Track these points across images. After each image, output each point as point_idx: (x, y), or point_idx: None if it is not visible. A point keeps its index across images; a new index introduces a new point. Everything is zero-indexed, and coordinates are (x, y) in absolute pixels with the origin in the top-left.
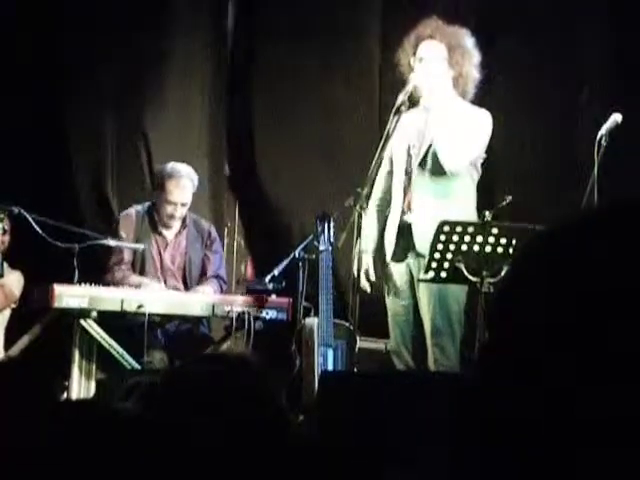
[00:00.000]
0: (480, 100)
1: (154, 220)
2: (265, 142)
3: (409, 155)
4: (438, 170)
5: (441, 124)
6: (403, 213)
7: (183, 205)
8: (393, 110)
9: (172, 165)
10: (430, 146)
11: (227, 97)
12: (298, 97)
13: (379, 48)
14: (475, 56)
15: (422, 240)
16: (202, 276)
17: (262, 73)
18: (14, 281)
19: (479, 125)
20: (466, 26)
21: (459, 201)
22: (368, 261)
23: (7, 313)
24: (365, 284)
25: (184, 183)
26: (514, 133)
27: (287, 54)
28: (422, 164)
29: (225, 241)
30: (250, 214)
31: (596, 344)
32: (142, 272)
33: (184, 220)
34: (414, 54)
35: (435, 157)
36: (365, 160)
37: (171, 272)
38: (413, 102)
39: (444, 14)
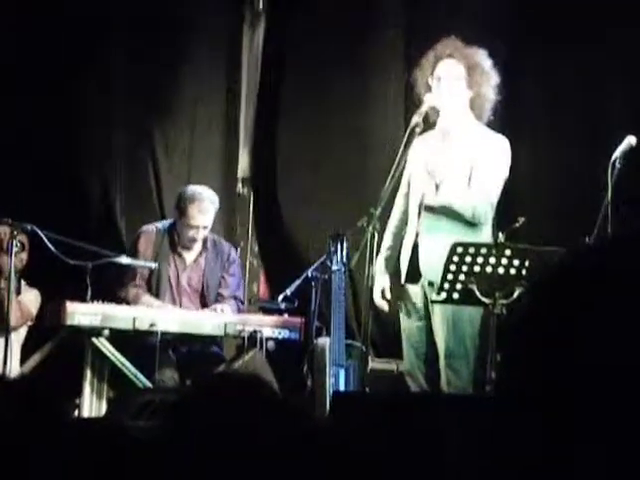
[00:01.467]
0: (495, 122)
1: (174, 241)
2: (283, 162)
3: (425, 178)
4: (451, 212)
5: (460, 159)
6: (417, 235)
7: (205, 228)
8: (407, 131)
9: (193, 188)
10: (446, 173)
11: (245, 120)
12: (320, 119)
13: (403, 70)
14: (493, 77)
15: (427, 266)
16: (218, 297)
17: (284, 96)
18: (31, 299)
19: (500, 159)
20: (485, 47)
21: (475, 227)
22: (385, 281)
23: (23, 331)
24: (382, 303)
25: (206, 206)
26: (529, 155)
27: (310, 78)
28: (437, 191)
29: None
30: (264, 234)
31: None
32: (157, 291)
33: (204, 241)
34: (432, 73)
35: (453, 206)
36: (381, 180)
37: (187, 293)
38: (429, 123)
39: (464, 35)
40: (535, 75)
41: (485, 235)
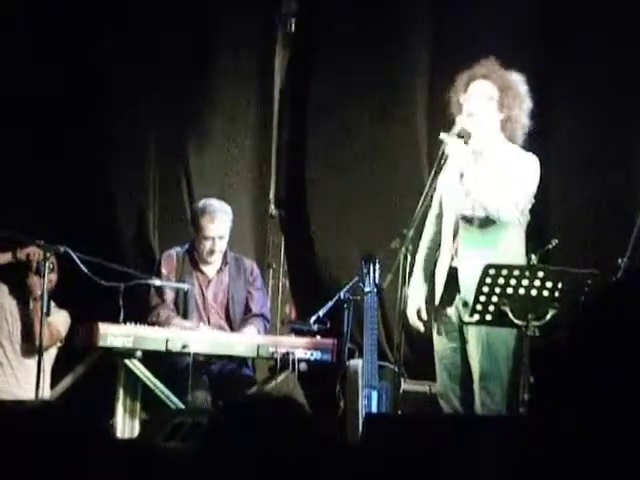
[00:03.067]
0: (528, 143)
1: (194, 258)
2: (315, 183)
3: (458, 199)
4: (486, 219)
5: (490, 173)
6: (452, 258)
7: (221, 238)
8: (440, 152)
9: (204, 201)
10: (478, 193)
11: (277, 138)
12: (348, 138)
13: (427, 89)
14: (527, 102)
15: (467, 287)
16: (246, 313)
17: (312, 114)
18: (61, 320)
19: (528, 172)
20: (523, 72)
21: (507, 248)
22: (420, 301)
23: (53, 352)
24: (418, 324)
25: (218, 217)
26: (562, 177)
27: (337, 95)
28: (470, 211)
29: (270, 282)
30: (295, 255)
31: None
32: (185, 311)
33: (225, 257)
34: (465, 92)
35: (483, 207)
36: (412, 201)
37: (214, 310)
38: (463, 142)
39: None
40: (567, 94)
41: (511, 233)
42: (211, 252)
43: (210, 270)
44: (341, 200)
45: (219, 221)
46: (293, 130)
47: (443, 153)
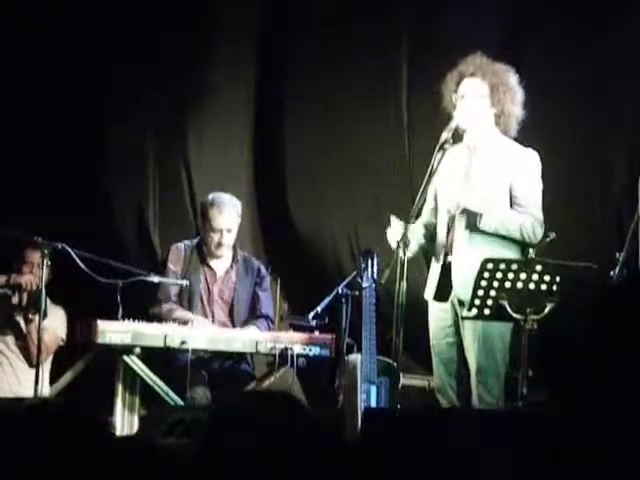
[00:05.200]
0: (525, 136)
1: (203, 253)
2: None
3: (453, 195)
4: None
5: (486, 169)
6: (446, 254)
7: (229, 231)
8: (437, 147)
9: (213, 194)
10: (478, 190)
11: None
12: (330, 131)
13: (406, 82)
14: (518, 94)
15: (461, 283)
16: (251, 314)
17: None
18: (57, 322)
19: (530, 168)
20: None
21: (502, 244)
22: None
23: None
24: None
25: (226, 209)
26: (560, 170)
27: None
28: (465, 207)
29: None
30: (282, 249)
31: None
32: (190, 305)
33: (235, 256)
34: (456, 91)
35: (475, 204)
36: (391, 176)
37: (219, 305)
38: (458, 137)
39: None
40: (559, 84)
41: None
42: (219, 245)
43: (218, 266)
44: (318, 177)
45: (228, 213)
46: (276, 127)
47: (441, 148)
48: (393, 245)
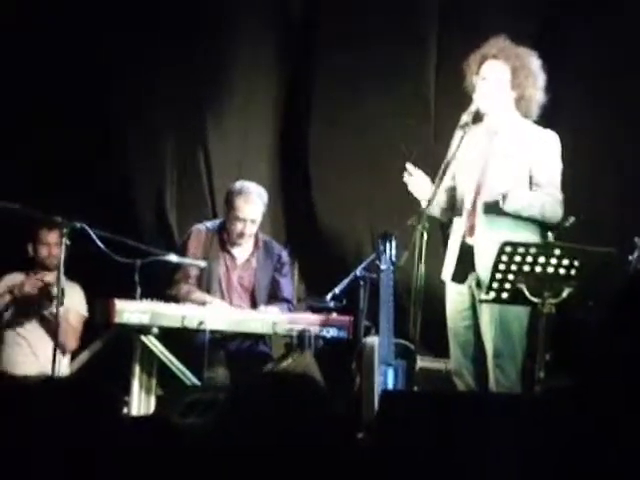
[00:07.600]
0: (547, 120)
1: (224, 239)
2: (320, 163)
3: (474, 178)
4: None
5: (506, 152)
6: (464, 236)
7: (253, 222)
8: (457, 129)
9: (241, 183)
10: (498, 172)
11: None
12: (354, 103)
13: (434, 68)
14: (540, 78)
15: (483, 266)
16: (270, 299)
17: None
18: (75, 300)
19: (551, 150)
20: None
21: (524, 228)
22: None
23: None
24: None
25: (253, 199)
26: (581, 153)
27: (347, 77)
28: (488, 191)
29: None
30: (301, 232)
31: None
32: (208, 290)
33: (257, 241)
34: (477, 73)
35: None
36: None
37: (238, 293)
38: (477, 119)
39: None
40: (584, 69)
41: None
42: (241, 235)
43: (239, 253)
44: (344, 166)
45: (254, 204)
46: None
47: (462, 130)
48: (419, 197)
